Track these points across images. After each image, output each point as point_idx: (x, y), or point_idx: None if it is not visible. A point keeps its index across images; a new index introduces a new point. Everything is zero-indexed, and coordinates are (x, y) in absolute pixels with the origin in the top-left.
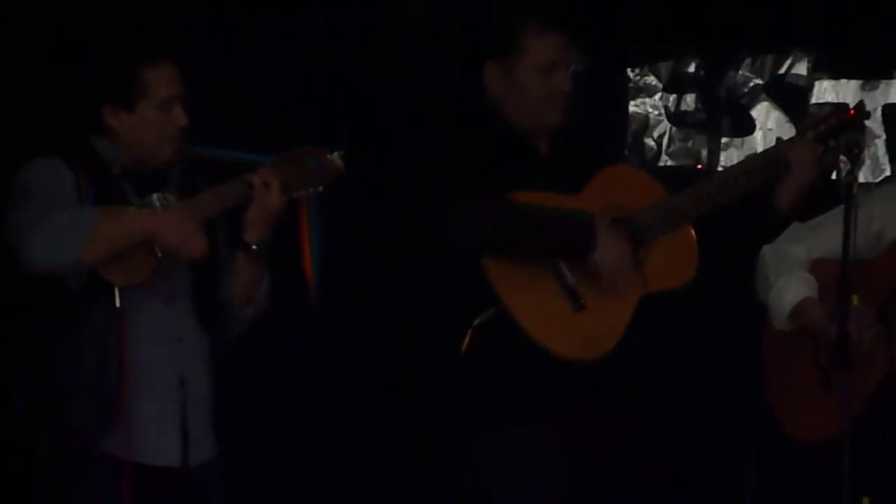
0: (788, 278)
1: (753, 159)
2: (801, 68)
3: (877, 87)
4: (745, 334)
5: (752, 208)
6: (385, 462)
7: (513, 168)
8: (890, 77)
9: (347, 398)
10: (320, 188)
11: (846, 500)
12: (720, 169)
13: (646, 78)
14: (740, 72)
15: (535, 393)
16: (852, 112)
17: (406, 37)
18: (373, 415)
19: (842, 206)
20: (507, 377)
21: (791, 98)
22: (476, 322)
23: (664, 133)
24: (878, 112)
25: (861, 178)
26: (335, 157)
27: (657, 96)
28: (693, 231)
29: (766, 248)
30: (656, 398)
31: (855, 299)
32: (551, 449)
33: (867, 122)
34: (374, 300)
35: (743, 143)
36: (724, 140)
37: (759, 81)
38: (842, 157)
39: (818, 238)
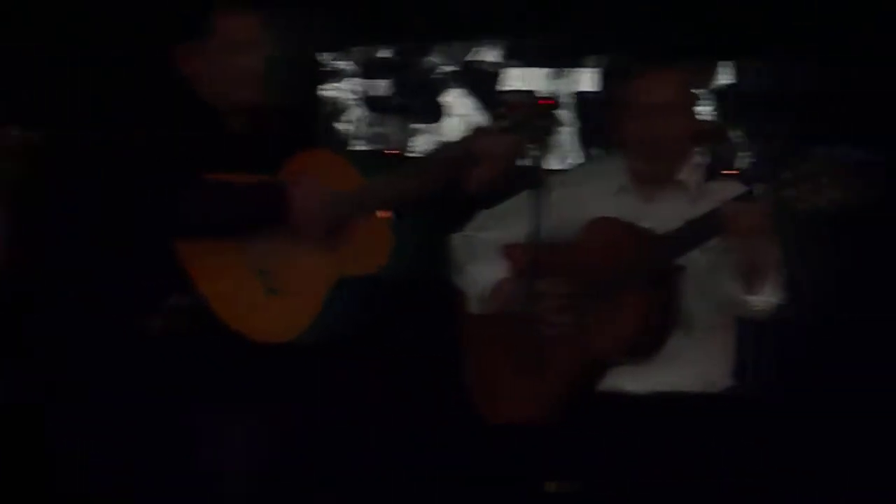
0: (483, 262)
1: (444, 147)
2: (492, 56)
3: (566, 76)
4: (444, 319)
5: (444, 195)
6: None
7: (206, 148)
8: (579, 66)
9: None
10: None
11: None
12: (412, 155)
13: (339, 62)
14: (432, 58)
15: (231, 376)
16: (544, 100)
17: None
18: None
19: (529, 192)
20: (203, 360)
21: (482, 85)
22: (170, 304)
23: (356, 118)
24: (568, 100)
25: (550, 166)
26: None
27: (350, 81)
28: (388, 216)
29: (456, 237)
30: (358, 379)
31: (546, 283)
32: (249, 431)
33: (556, 111)
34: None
35: (434, 130)
36: (415, 126)
37: (451, 68)
38: (531, 145)
39: (507, 224)
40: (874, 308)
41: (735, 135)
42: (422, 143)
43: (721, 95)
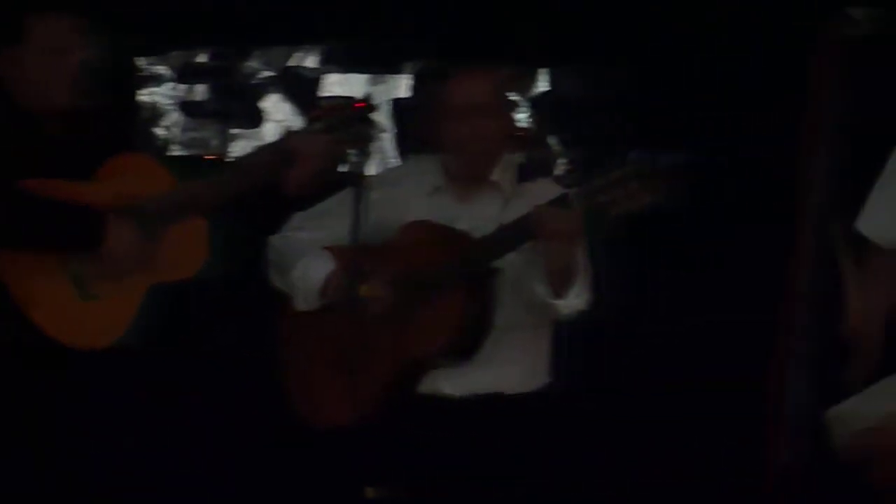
0: (309, 258)
1: (259, 150)
2: (311, 61)
3: (385, 82)
4: (262, 321)
5: (260, 197)
6: None
7: (21, 152)
8: (398, 72)
9: None
10: None
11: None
12: (230, 160)
13: (156, 67)
14: (251, 63)
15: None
16: (360, 104)
17: None
18: None
19: (345, 193)
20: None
21: (300, 90)
22: None
23: (174, 123)
24: (386, 105)
25: (368, 168)
26: None
27: (168, 85)
28: (205, 220)
29: (273, 238)
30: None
31: (364, 284)
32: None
33: (375, 115)
34: None
35: (253, 134)
36: (234, 131)
37: (270, 73)
38: (347, 147)
39: (324, 225)
40: (680, 312)
41: (551, 140)
42: (240, 147)
43: (537, 101)
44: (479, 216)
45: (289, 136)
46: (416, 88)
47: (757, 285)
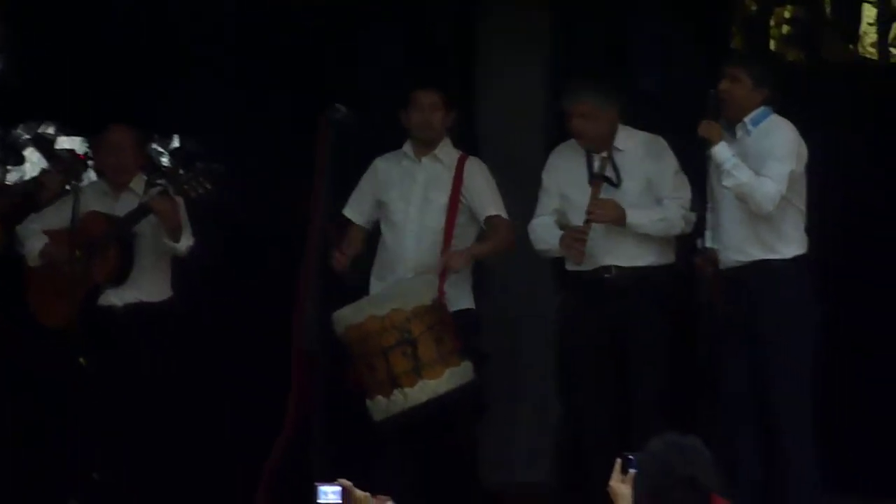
0: (35, 238)
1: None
2: (51, 129)
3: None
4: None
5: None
6: None
7: None
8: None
9: None
10: None
11: None
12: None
13: None
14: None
15: None
16: (81, 156)
17: None
18: None
19: (64, 201)
20: None
21: (46, 147)
22: None
23: None
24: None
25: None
26: None
27: None
28: None
29: (18, 227)
30: None
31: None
32: None
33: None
34: None
35: (18, 170)
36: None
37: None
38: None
39: (46, 219)
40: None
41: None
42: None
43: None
44: (124, 206)
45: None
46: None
47: None
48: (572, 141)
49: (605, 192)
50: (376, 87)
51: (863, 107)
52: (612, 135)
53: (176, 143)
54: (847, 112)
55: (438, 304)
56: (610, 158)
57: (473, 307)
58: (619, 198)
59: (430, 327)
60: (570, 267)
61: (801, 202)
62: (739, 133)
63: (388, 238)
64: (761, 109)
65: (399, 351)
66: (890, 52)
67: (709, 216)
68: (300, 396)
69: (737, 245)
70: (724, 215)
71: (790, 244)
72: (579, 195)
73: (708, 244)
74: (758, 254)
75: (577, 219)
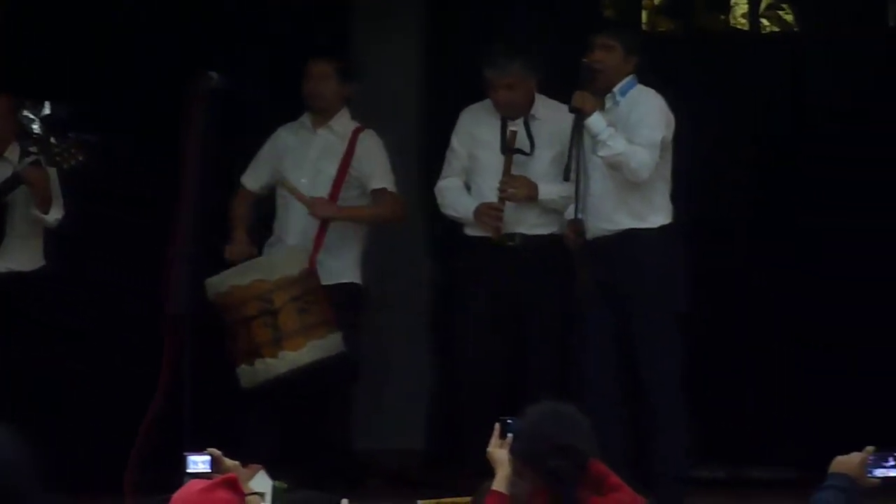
0: None
1: None
2: None
3: None
4: None
5: None
6: None
7: None
8: None
9: None
10: None
11: None
12: None
13: None
14: None
15: None
16: None
17: None
18: None
19: None
20: None
21: None
22: None
23: None
24: None
25: None
26: None
27: None
28: None
29: None
30: None
31: None
32: None
33: None
34: None
35: None
36: None
37: None
38: None
39: None
40: None
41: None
42: None
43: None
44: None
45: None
46: None
47: None
48: (485, 102)
49: (517, 161)
50: (261, 58)
51: (733, 77)
52: (530, 104)
53: (47, 109)
54: (717, 82)
55: (307, 275)
56: (526, 126)
57: (358, 281)
58: (531, 166)
59: (295, 298)
60: (471, 232)
61: (667, 171)
62: (609, 104)
63: (280, 208)
64: (629, 79)
65: (261, 321)
66: (761, 22)
67: (573, 187)
68: (171, 363)
69: (606, 214)
70: (594, 185)
71: (658, 213)
72: (491, 159)
73: (576, 214)
74: (627, 222)
75: (486, 181)
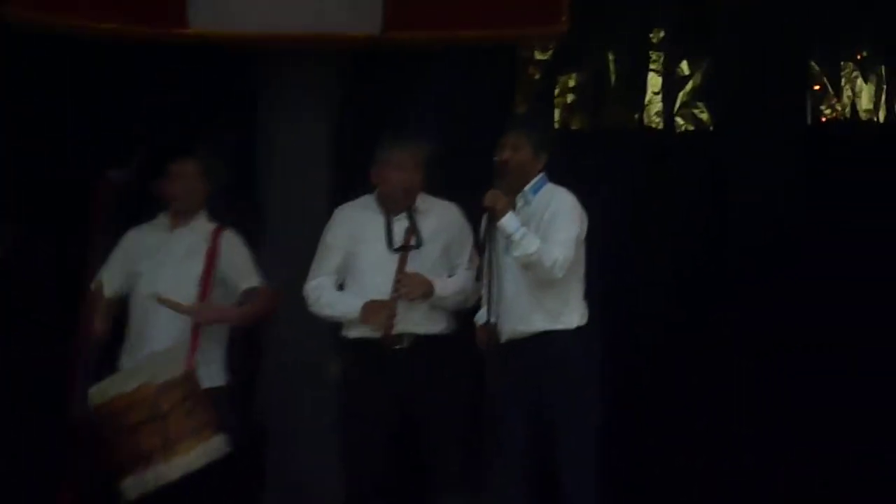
0: None
1: None
2: None
3: None
4: None
5: None
6: None
7: None
8: None
9: None
10: None
11: None
12: None
13: None
14: None
15: None
16: None
17: None
18: None
19: None
20: None
21: None
22: None
23: None
24: None
25: None
26: None
27: None
28: None
29: None
30: None
31: None
32: None
33: None
34: None
35: None
36: None
37: None
38: None
39: None
40: None
41: None
42: None
43: None
44: None
45: None
46: None
47: None
48: (362, 199)
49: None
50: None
51: (646, 175)
52: (414, 197)
53: None
54: (630, 180)
55: (187, 377)
56: (411, 219)
57: (223, 384)
58: (419, 260)
59: (183, 400)
60: (352, 334)
61: (581, 270)
62: (520, 203)
63: (138, 311)
64: (540, 177)
65: (149, 427)
66: (675, 121)
67: (485, 289)
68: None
69: (520, 315)
70: (507, 286)
71: (573, 312)
72: (374, 256)
73: (487, 319)
74: (542, 324)
75: (371, 279)
